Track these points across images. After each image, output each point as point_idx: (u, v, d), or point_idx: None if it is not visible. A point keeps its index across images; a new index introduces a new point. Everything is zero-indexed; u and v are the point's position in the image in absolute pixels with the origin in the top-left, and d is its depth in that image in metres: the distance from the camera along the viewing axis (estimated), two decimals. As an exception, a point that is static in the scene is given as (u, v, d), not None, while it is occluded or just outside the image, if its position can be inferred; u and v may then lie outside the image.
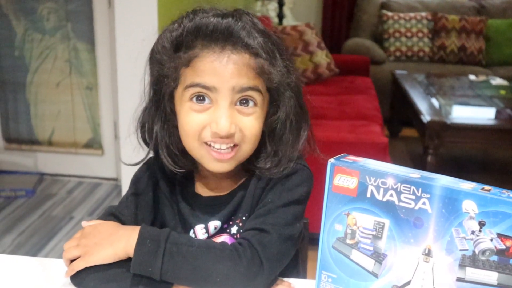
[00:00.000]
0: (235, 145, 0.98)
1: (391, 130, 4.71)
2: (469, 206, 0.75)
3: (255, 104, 0.97)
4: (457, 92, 4.22)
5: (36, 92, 3.50)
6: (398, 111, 4.53)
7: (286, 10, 5.31)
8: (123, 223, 1.01)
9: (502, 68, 5.05)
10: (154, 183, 1.08)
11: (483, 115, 3.71)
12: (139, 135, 1.07)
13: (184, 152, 1.03)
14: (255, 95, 0.97)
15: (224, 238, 1.07)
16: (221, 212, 1.07)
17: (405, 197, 0.80)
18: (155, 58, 1.01)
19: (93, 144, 3.52)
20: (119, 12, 2.92)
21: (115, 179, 3.52)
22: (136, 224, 1.02)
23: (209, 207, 1.08)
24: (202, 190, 1.10)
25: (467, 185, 0.77)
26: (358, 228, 0.84)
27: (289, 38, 4.54)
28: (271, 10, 5.25)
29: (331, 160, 0.86)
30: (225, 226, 1.08)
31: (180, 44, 0.97)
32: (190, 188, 1.10)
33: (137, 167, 1.11)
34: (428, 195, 0.78)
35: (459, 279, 0.77)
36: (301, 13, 5.71)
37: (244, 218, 1.06)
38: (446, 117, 3.45)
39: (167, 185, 1.09)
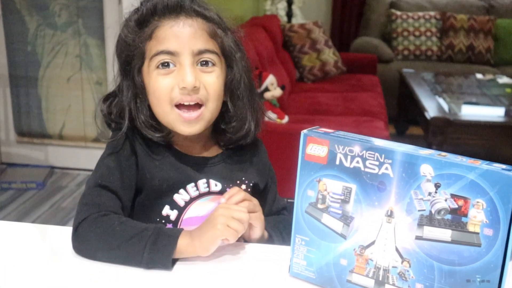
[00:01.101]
0: (201, 105, 1.08)
1: (398, 128, 4.75)
2: (426, 169, 0.80)
3: (214, 65, 1.10)
4: (463, 90, 4.25)
5: (47, 86, 3.59)
6: (405, 109, 4.57)
7: (295, 9, 5.37)
8: (112, 191, 1.06)
9: (510, 67, 5.07)
10: (132, 146, 1.12)
11: (487, 112, 3.74)
12: (106, 117, 1.13)
13: (157, 123, 1.12)
14: (212, 56, 1.09)
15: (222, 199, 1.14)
16: (216, 172, 1.16)
17: (369, 163, 0.85)
18: (122, 41, 1.12)
19: (102, 138, 3.59)
20: (128, 9, 3.00)
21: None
22: (124, 187, 1.08)
23: (199, 166, 1.15)
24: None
25: (425, 151, 0.82)
26: (328, 193, 0.90)
27: (296, 36, 4.61)
28: (280, 9, 5.31)
29: (304, 131, 0.91)
30: (228, 189, 1.14)
31: (142, 22, 1.10)
32: (172, 149, 1.16)
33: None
34: (390, 161, 0.83)
35: (417, 237, 0.83)
36: (311, 11, 5.77)
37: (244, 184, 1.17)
38: (450, 114, 3.49)
39: (147, 146, 1.13)
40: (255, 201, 1.10)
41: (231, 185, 1.15)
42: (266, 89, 3.38)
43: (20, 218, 3.01)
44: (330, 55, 4.64)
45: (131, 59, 1.11)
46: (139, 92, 1.11)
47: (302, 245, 0.95)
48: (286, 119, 3.29)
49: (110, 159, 1.09)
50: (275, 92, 3.38)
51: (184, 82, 1.05)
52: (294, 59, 4.60)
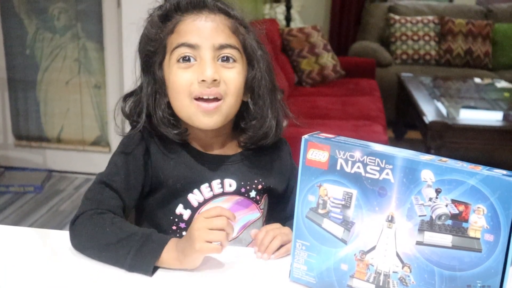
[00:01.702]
0: (219, 99, 1.08)
1: (396, 133, 4.76)
2: (427, 175, 0.80)
3: (235, 61, 1.09)
4: (461, 94, 4.26)
5: (46, 90, 3.59)
6: (404, 113, 4.58)
7: (294, 13, 5.38)
8: (114, 190, 1.07)
9: (509, 72, 5.09)
10: (146, 143, 1.12)
11: (485, 116, 3.75)
12: (126, 115, 1.16)
13: (174, 119, 1.12)
14: (233, 52, 1.09)
15: (237, 199, 1.15)
16: (233, 171, 1.16)
17: (370, 169, 0.85)
18: (145, 36, 1.13)
19: (101, 142, 3.60)
20: (126, 12, 3.00)
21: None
22: (127, 188, 1.08)
23: (215, 165, 1.15)
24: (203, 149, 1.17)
25: (425, 157, 0.82)
26: (329, 198, 0.90)
27: (295, 40, 4.61)
28: (279, 13, 5.32)
29: (305, 136, 0.91)
30: (243, 190, 1.15)
31: (165, 17, 1.10)
32: (189, 148, 1.16)
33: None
34: (391, 166, 0.83)
35: (418, 243, 0.83)
36: (309, 16, 5.78)
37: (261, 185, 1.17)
38: (448, 118, 3.49)
39: (163, 146, 1.13)
40: (286, 231, 1.07)
41: (247, 186, 1.16)
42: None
43: (17, 221, 3.00)
44: (328, 59, 4.65)
45: (153, 54, 1.11)
46: (159, 87, 1.11)
47: (302, 250, 0.95)
48: (285, 123, 3.29)
49: (119, 158, 1.10)
50: (273, 96, 3.38)
51: (204, 75, 1.05)
52: (293, 63, 4.60)
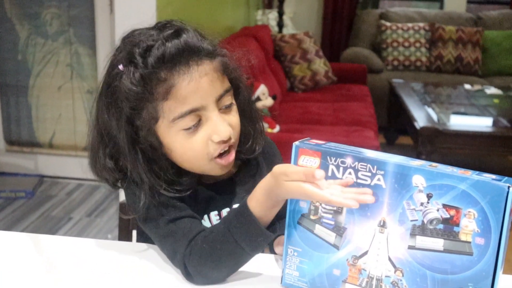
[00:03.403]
0: (231, 146, 1.04)
1: (388, 138, 4.78)
2: (418, 180, 0.82)
3: (232, 102, 1.04)
4: (452, 100, 4.30)
5: (38, 95, 3.59)
6: (395, 119, 4.60)
7: (286, 19, 5.40)
8: (179, 218, 1.03)
9: (498, 78, 5.12)
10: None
11: (475, 122, 3.79)
12: (108, 176, 1.07)
13: (178, 173, 1.06)
14: (230, 94, 1.03)
15: None
16: (239, 194, 1.13)
17: (362, 175, 0.86)
18: (124, 94, 0.98)
19: (93, 147, 3.59)
20: (119, 18, 3.01)
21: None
22: (184, 207, 1.05)
23: (222, 190, 1.12)
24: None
25: (416, 162, 0.83)
26: (320, 204, 0.91)
27: (287, 46, 4.63)
28: (272, 19, 5.34)
29: (296, 143, 0.92)
30: None
31: (149, 81, 0.97)
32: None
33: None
34: (382, 172, 0.84)
35: (410, 247, 0.84)
36: (302, 22, 5.80)
37: None
38: (439, 124, 3.52)
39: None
40: None
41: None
42: (258, 99, 3.40)
43: (9, 227, 2.99)
44: (320, 65, 4.67)
45: (137, 118, 1.00)
46: (151, 154, 1.02)
47: (294, 256, 0.95)
48: (277, 128, 3.30)
49: (148, 201, 1.03)
50: (266, 101, 3.40)
51: (221, 135, 0.99)
52: (285, 69, 4.62)
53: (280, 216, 0.99)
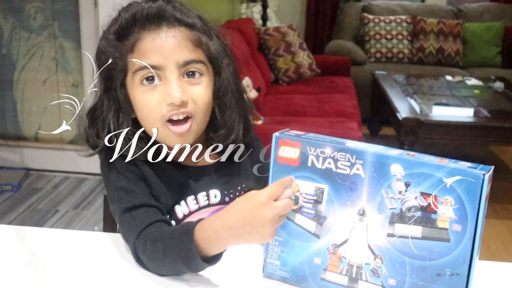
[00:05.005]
0: (189, 118, 1.05)
1: (371, 129, 4.82)
2: (396, 169, 0.84)
3: (201, 75, 1.06)
4: (434, 92, 4.34)
5: (23, 89, 3.58)
6: (378, 110, 4.64)
7: (270, 12, 5.41)
8: (138, 206, 1.04)
9: (478, 69, 5.19)
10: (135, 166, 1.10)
11: (457, 113, 3.83)
12: (90, 134, 1.10)
13: (145, 136, 1.08)
14: (199, 66, 1.05)
15: (218, 207, 1.14)
16: (216, 181, 1.14)
17: (341, 164, 0.88)
18: (101, 54, 1.07)
19: (79, 140, 3.54)
20: (103, 12, 3.01)
21: (100, 175, 3.58)
22: (148, 194, 1.08)
23: (199, 176, 1.14)
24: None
25: (394, 152, 0.86)
26: (301, 194, 0.92)
27: (271, 39, 4.65)
28: (256, 12, 5.35)
29: (276, 134, 0.93)
30: (227, 199, 1.15)
31: (122, 34, 1.04)
32: (171, 163, 1.12)
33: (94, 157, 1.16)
34: (361, 161, 0.87)
35: (389, 235, 0.86)
36: (285, 15, 5.83)
37: (244, 191, 1.16)
38: (421, 115, 3.56)
39: (151, 167, 1.10)
40: None
41: (231, 195, 1.15)
42: (242, 92, 3.41)
43: (-5, 221, 3.00)
44: (304, 58, 4.70)
45: (112, 72, 1.06)
46: (123, 106, 1.07)
47: (275, 245, 0.97)
48: (261, 120, 3.33)
49: (118, 181, 1.08)
50: (250, 94, 3.42)
51: (172, 97, 1.01)
52: (269, 61, 4.64)
53: None
